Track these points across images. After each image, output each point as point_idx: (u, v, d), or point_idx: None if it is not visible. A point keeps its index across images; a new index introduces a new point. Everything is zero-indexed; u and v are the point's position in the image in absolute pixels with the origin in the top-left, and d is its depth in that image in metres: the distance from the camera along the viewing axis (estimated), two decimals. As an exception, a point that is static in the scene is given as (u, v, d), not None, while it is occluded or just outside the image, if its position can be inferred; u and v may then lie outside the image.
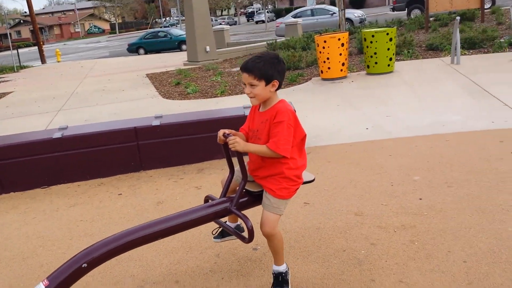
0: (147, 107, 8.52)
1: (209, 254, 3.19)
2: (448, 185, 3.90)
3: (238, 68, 12.20)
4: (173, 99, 9.13)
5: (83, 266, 2.21)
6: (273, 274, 2.65)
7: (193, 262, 3.11)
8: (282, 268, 2.62)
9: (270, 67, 2.43)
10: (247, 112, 5.22)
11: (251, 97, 2.50)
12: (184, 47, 22.17)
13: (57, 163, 4.90)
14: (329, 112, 6.93)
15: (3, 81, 16.20)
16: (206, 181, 4.59)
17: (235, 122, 5.33)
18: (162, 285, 2.88)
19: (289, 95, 8.31)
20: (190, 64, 14.60)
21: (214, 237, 3.08)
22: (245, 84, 2.49)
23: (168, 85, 10.80)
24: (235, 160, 2.61)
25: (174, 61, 16.89)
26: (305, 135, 2.58)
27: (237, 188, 2.64)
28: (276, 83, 2.46)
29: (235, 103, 7.59)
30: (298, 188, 2.61)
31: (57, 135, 4.92)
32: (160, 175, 4.93)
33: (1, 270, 3.25)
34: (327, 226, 3.39)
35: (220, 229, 3.04)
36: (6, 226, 4.02)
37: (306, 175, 2.76)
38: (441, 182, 3.97)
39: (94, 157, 4.98)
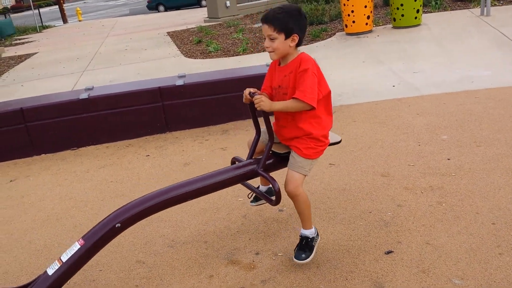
0: (170, 66, 8.49)
1: (236, 215, 3.25)
2: (477, 144, 3.83)
3: (260, 24, 11.97)
4: (195, 58, 9.07)
5: (116, 226, 2.26)
6: (299, 236, 2.66)
7: (221, 223, 3.18)
8: (308, 232, 2.60)
9: (290, 20, 2.36)
10: (270, 70, 5.15)
11: (270, 51, 2.43)
12: (203, 2, 21.76)
13: (85, 124, 4.98)
14: (354, 68, 6.79)
15: (27, 42, 16.33)
16: (231, 142, 4.62)
17: (258, 80, 5.24)
18: (191, 245, 2.96)
19: (312, 51, 8.14)
20: (210, 20, 14.38)
21: (251, 201, 3.09)
22: (264, 38, 2.43)
23: (190, 43, 10.70)
24: (261, 121, 2.57)
25: (194, 18, 16.66)
26: (330, 91, 2.51)
27: (264, 149, 2.62)
28: (296, 37, 2.39)
29: (257, 61, 7.50)
30: (324, 149, 2.57)
31: (84, 96, 4.98)
32: (186, 136, 4.98)
33: (36, 230, 3.40)
34: (353, 187, 3.39)
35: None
36: (40, 187, 4.15)
37: (332, 136, 2.72)
38: (469, 141, 3.90)
39: (120, 118, 5.04)
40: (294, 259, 2.55)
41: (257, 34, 10.52)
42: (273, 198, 2.57)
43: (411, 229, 2.80)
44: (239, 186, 3.57)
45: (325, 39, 9.06)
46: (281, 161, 2.65)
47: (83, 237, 2.27)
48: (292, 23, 2.37)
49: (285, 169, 2.59)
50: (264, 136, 2.67)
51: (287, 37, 2.38)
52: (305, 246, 2.58)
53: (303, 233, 2.62)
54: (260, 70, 5.29)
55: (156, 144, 4.84)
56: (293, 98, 2.37)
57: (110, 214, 2.35)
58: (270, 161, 2.63)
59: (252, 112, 2.60)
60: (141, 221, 3.28)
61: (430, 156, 3.73)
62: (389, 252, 2.61)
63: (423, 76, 5.96)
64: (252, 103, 2.49)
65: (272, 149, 2.60)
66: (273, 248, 2.82)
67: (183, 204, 3.46)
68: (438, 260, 2.50)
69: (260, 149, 2.74)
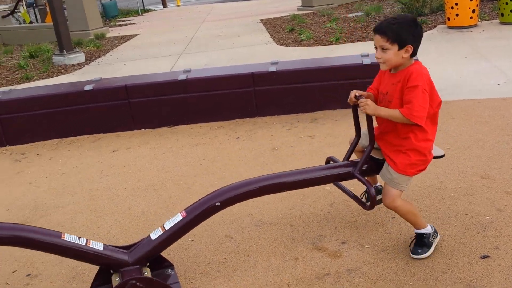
0: (261, 53, 8.60)
1: (323, 203, 3.26)
2: None
3: (354, 14, 11.70)
4: (287, 46, 9.10)
5: (216, 204, 2.40)
6: (414, 233, 2.61)
7: (307, 209, 3.21)
8: (423, 230, 2.55)
9: (405, 31, 2.29)
10: (365, 60, 5.05)
11: (381, 62, 2.38)
12: (298, -9, 21.67)
13: (182, 104, 5.23)
14: (455, 64, 6.43)
15: (129, 24, 17.35)
16: (320, 131, 4.61)
17: (352, 71, 5.22)
18: (277, 226, 3.02)
19: (410, 44, 7.82)
20: (304, 9, 14.30)
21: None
22: (376, 48, 2.38)
23: (282, 31, 10.74)
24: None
25: (287, 6, 16.65)
26: (441, 101, 2.42)
27: (362, 152, 2.60)
28: (410, 48, 2.31)
29: (351, 51, 7.35)
30: (425, 168, 2.46)
31: (182, 77, 5.22)
32: (275, 121, 5.04)
33: (135, 198, 3.65)
34: (449, 187, 3.25)
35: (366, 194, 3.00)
36: (139, 159, 4.45)
37: (435, 150, 2.63)
38: None
39: (214, 100, 5.23)
40: (411, 255, 2.54)
41: (351, 24, 10.31)
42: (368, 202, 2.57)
43: (511, 236, 2.63)
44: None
45: (425, 31, 8.61)
46: (379, 167, 2.61)
47: (185, 210, 2.43)
48: (407, 33, 2.30)
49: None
50: (364, 139, 2.64)
51: (400, 48, 2.31)
52: (421, 242, 2.55)
53: (417, 231, 2.57)
54: (354, 60, 5.20)
55: (246, 128, 4.96)
56: (399, 111, 2.31)
57: (212, 192, 2.49)
58: (368, 165, 2.61)
59: (354, 114, 2.61)
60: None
61: (537, 161, 3.47)
62: (485, 257, 2.49)
63: (534, 76, 5.51)
64: (355, 105, 2.48)
65: (371, 154, 2.58)
66: (359, 239, 2.80)
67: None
68: (541, 271, 2.34)
69: (358, 151, 2.73)
